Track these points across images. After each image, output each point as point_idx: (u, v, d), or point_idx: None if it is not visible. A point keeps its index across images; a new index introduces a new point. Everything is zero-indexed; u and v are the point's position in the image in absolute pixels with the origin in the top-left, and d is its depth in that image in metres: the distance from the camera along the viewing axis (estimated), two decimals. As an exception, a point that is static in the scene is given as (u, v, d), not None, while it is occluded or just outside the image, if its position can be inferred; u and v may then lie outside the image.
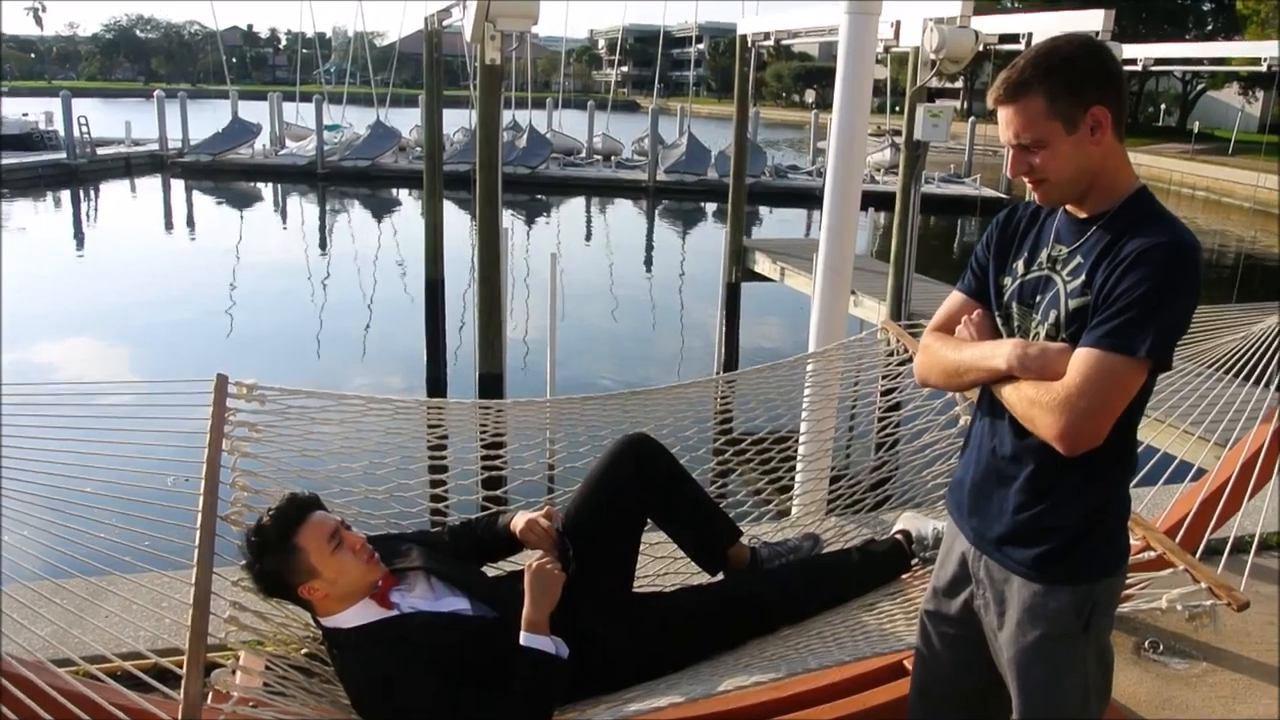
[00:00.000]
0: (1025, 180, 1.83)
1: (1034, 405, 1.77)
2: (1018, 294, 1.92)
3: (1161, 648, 3.68)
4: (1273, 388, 3.39)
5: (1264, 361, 3.52)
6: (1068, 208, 1.87)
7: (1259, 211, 31.74)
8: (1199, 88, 50.99)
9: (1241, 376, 3.56)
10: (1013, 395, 1.83)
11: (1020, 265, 1.93)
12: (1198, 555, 2.64)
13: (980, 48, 10.84)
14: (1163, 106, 55.74)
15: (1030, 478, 1.88)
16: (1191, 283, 1.71)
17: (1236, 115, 43.58)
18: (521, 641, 2.30)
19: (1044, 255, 1.89)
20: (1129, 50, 15.41)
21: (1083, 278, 1.78)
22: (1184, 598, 2.40)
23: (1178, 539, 2.76)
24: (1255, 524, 3.33)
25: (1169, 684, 3.49)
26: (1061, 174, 1.78)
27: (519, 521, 2.69)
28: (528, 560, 2.40)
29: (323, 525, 2.34)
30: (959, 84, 57.09)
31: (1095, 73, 1.75)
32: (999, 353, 1.86)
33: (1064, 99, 1.73)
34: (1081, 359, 1.73)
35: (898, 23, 11.00)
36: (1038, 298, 1.87)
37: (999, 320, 1.97)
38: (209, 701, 2.02)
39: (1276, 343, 3.58)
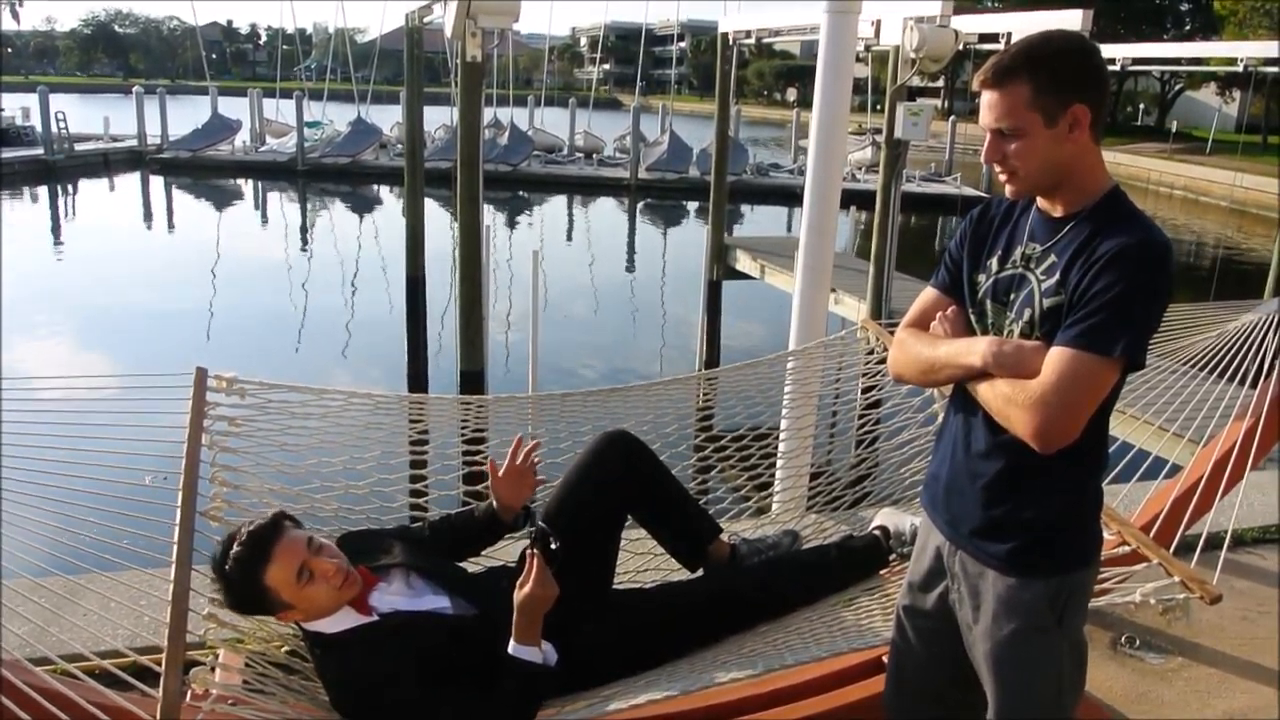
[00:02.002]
0: (996, 166, 1.84)
1: (1009, 402, 1.79)
2: (992, 291, 1.93)
3: (1138, 643, 3.71)
4: (1246, 385, 3.43)
5: (1239, 359, 3.55)
6: (1041, 206, 1.89)
7: (1235, 210, 32.01)
8: (1177, 87, 51.31)
9: (1216, 374, 3.59)
10: (988, 392, 1.84)
11: (994, 262, 1.95)
12: (1171, 551, 2.66)
13: (960, 47, 10.91)
14: (1141, 106, 56.08)
15: (1003, 473, 1.89)
16: (1164, 283, 1.74)
17: (1214, 115, 43.94)
18: (510, 650, 2.28)
19: (1018, 253, 1.90)
20: (1107, 50, 15.48)
21: (1057, 277, 1.80)
22: (1158, 591, 2.42)
23: (1151, 535, 2.78)
24: (1228, 520, 3.37)
25: (1145, 678, 3.52)
26: (1031, 166, 1.79)
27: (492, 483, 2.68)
28: (517, 586, 2.30)
29: (290, 560, 2.22)
30: (939, 83, 57.28)
31: (1082, 71, 1.77)
32: (974, 349, 1.87)
33: (1048, 93, 1.74)
34: (1056, 357, 1.74)
35: (878, 21, 11.03)
36: (1012, 295, 1.89)
37: (973, 317, 1.99)
38: (188, 699, 2.01)
39: (1251, 339, 3.61)
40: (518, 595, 2.29)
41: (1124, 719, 3.28)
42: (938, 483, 2.06)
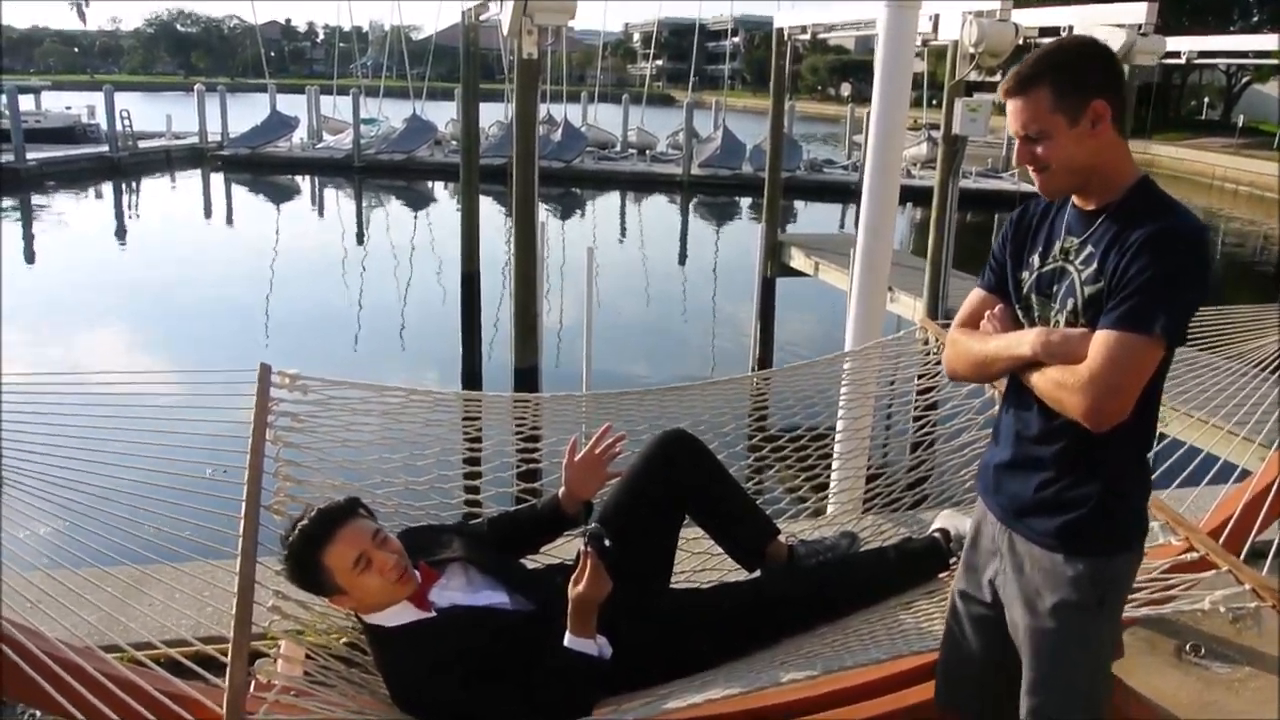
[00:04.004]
0: (1029, 169, 1.94)
1: (1060, 387, 1.87)
2: (1035, 286, 2.03)
3: (1204, 651, 3.63)
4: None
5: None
6: (1076, 202, 1.98)
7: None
8: (1243, 81, 50.04)
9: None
10: (1039, 380, 1.93)
11: (1036, 259, 2.04)
12: (1241, 558, 2.60)
13: (1020, 41, 10.73)
14: (1206, 100, 54.75)
15: (1056, 455, 1.98)
16: (1197, 263, 1.83)
17: (1282, 109, 42.81)
18: (565, 643, 2.31)
19: (1057, 248, 2.00)
20: (1172, 43, 15.14)
21: (1095, 266, 1.89)
22: (1227, 599, 2.37)
23: (1221, 541, 2.72)
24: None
25: (1211, 688, 3.45)
26: (1062, 164, 1.90)
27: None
28: (571, 582, 2.34)
29: (350, 546, 2.27)
30: (997, 78, 56.47)
31: (1097, 69, 1.89)
32: (1024, 341, 1.97)
33: (1068, 94, 1.85)
34: (1100, 340, 1.84)
35: (936, 16, 10.93)
36: (1054, 288, 1.99)
37: (1020, 312, 2.08)
38: (252, 689, 2.04)
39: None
40: (572, 591, 2.32)
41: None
42: (990, 469, 2.15)
